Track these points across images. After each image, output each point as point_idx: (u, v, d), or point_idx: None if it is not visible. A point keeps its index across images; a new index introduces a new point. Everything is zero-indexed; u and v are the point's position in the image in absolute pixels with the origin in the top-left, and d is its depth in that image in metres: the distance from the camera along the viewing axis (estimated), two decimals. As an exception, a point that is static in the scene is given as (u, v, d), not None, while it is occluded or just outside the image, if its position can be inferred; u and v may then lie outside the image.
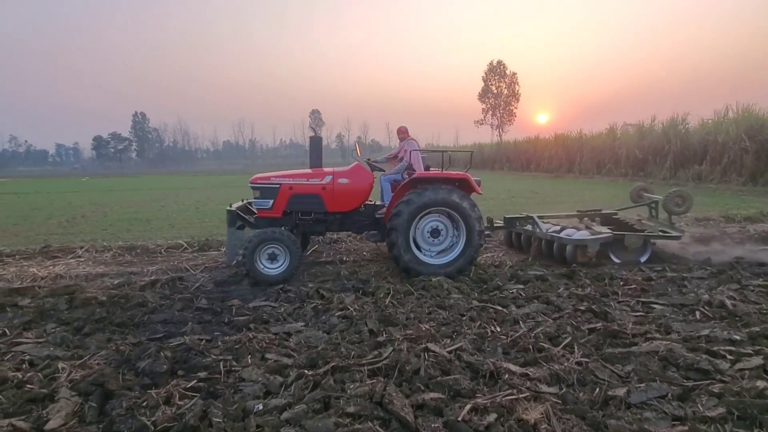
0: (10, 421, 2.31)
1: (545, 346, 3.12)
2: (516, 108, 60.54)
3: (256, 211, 5.60)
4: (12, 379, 2.81)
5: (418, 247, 5.26)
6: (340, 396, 2.48)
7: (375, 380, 2.66)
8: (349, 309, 4.05)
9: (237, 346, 3.23)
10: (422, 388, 2.58)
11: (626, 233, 5.68)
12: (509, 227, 6.62)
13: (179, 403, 2.49)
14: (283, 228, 5.33)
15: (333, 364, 2.84)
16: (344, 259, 6.48)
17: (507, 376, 2.64)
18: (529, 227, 6.33)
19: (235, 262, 5.38)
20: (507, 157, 37.37)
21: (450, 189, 5.16)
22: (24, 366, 3.06)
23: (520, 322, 3.63)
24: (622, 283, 4.77)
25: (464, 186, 5.35)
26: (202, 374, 2.87)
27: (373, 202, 5.87)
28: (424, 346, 3.06)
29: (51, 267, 6.21)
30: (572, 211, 7.49)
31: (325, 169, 5.60)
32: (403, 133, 6.39)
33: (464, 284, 4.83)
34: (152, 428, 2.30)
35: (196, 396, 2.58)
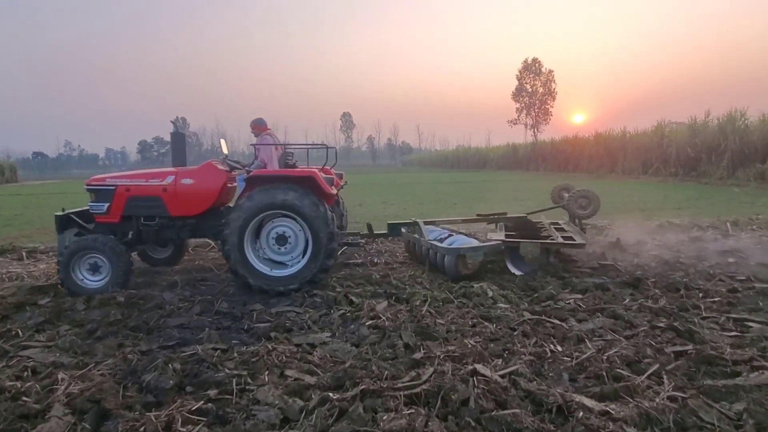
0: (-13, 445, 1.99)
1: (623, 373, 2.53)
2: (552, 107, 58.35)
3: None
4: (9, 390, 2.52)
5: (265, 255, 4.66)
6: (371, 431, 2.01)
7: (413, 410, 2.17)
8: (381, 318, 3.59)
9: (254, 360, 2.84)
10: (473, 424, 2.07)
11: (521, 241, 4.97)
12: (393, 234, 5.94)
13: (181, 430, 2.11)
14: (102, 235, 4.72)
15: (363, 386, 2.38)
16: (375, 261, 6.02)
17: (582, 413, 2.08)
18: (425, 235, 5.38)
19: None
20: (542, 158, 35.91)
21: (292, 189, 4.45)
22: (25, 374, 2.78)
23: (586, 340, 3.04)
24: (701, 294, 4.05)
25: (312, 185, 4.58)
26: (213, 392, 2.48)
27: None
28: (471, 367, 2.55)
29: (79, 265, 6.10)
30: (610, 214, 6.71)
31: (169, 169, 5.02)
32: (255, 129, 5.62)
33: (511, 292, 4.26)
34: (147, 461, 1.91)
35: (201, 421, 2.19)
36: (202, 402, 2.33)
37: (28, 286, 4.78)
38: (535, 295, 4.19)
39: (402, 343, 3.04)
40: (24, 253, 6.79)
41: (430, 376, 2.48)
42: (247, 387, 2.52)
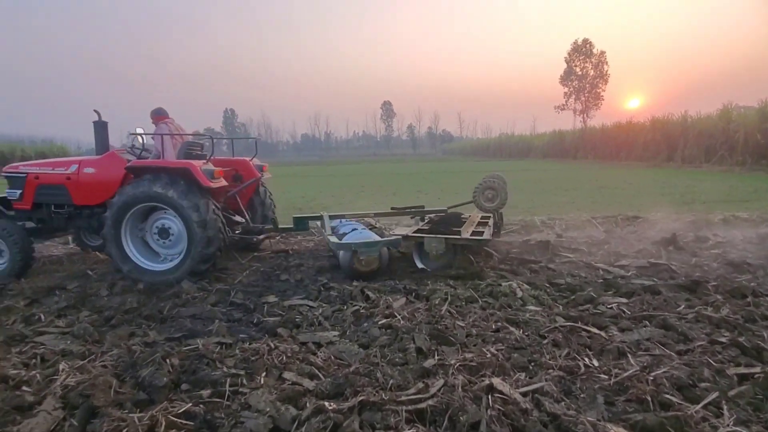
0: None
1: (673, 399, 2.12)
2: (603, 91, 54.69)
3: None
4: (12, 378, 2.51)
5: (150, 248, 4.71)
6: (363, 452, 1.77)
7: (415, 430, 1.91)
8: (396, 316, 3.32)
9: (254, 358, 2.67)
10: (482, 453, 1.78)
11: (424, 236, 4.60)
12: (299, 229, 5.68)
13: (163, 435, 1.96)
14: (4, 221, 4.94)
15: (362, 397, 2.14)
16: (400, 253, 5.74)
17: (617, 450, 1.73)
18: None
19: None
20: (592, 145, 33.85)
21: (165, 180, 4.40)
22: (33, 362, 2.78)
23: (629, 354, 2.62)
24: (774, 302, 3.46)
25: (187, 177, 4.45)
26: (207, 392, 2.34)
27: None
28: (487, 382, 2.23)
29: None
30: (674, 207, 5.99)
31: (75, 158, 5.13)
32: (154, 119, 5.45)
33: (544, 292, 3.85)
34: (123, 469, 1.78)
35: (187, 425, 2.04)
36: (191, 404, 2.19)
37: (63, 272, 4.94)
38: (572, 297, 3.75)
39: (414, 347, 2.76)
40: (69, 237, 7.10)
41: (439, 389, 2.19)
42: (241, 388, 2.35)
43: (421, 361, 2.61)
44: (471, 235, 4.67)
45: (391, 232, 5.00)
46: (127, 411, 2.18)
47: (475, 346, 2.80)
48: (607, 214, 8.01)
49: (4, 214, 5.14)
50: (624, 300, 3.61)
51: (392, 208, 5.91)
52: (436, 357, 2.67)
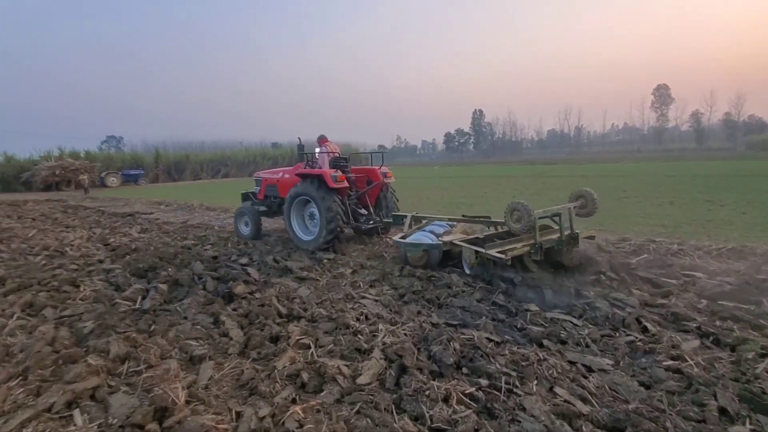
0: (339, 363, 2.93)
1: None
2: None
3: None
4: (352, 327, 3.60)
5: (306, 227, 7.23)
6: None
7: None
8: (687, 361, 2.87)
9: (524, 363, 2.88)
10: None
11: (463, 246, 5.10)
12: (396, 223, 7.08)
13: (456, 407, 2.44)
14: (248, 205, 8.34)
15: (648, 442, 2.02)
16: (708, 270, 4.68)
17: None
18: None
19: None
20: None
21: (311, 183, 6.77)
22: (361, 317, 3.88)
23: None
24: None
25: (322, 180, 6.65)
26: (484, 382, 2.72)
27: None
28: None
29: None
30: None
31: (281, 168, 8.50)
32: (318, 142, 7.75)
33: None
34: (429, 422, 2.34)
35: (472, 406, 2.45)
36: (475, 388, 2.60)
37: (367, 252, 6.56)
38: None
39: (716, 406, 2.35)
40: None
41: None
42: (515, 389, 2.62)
43: (725, 425, 2.21)
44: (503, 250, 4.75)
45: (439, 238, 5.56)
46: (425, 377, 2.80)
47: (819, 431, 2.14)
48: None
49: (253, 203, 8.57)
50: None
51: (463, 216, 6.50)
52: (748, 425, 2.19)
